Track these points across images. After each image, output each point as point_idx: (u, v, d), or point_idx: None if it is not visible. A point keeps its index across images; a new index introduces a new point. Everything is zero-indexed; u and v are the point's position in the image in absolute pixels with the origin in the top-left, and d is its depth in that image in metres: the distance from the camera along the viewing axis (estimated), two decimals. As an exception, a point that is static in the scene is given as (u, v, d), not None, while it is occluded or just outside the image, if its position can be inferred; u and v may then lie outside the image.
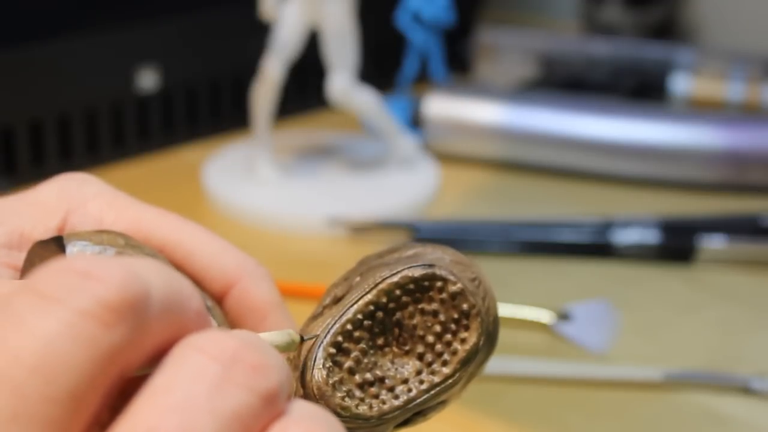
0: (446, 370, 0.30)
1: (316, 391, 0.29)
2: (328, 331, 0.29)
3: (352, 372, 0.29)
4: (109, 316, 0.22)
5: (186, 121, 0.83)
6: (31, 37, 0.76)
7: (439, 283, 0.30)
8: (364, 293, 0.30)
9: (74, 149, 0.78)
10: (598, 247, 0.69)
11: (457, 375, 0.30)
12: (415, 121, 0.83)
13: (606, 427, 0.53)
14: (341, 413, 0.29)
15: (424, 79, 0.87)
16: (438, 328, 0.30)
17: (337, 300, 0.31)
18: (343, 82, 0.73)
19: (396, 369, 0.30)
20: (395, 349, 0.30)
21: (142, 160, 0.81)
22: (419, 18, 0.83)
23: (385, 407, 0.30)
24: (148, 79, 0.80)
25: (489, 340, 0.31)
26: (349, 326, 0.29)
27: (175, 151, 0.83)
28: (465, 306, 0.30)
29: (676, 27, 1.01)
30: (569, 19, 1.06)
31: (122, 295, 0.23)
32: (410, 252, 0.31)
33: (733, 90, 0.86)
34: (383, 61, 0.90)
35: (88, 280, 0.23)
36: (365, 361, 0.30)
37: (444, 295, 0.30)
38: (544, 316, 0.61)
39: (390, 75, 0.88)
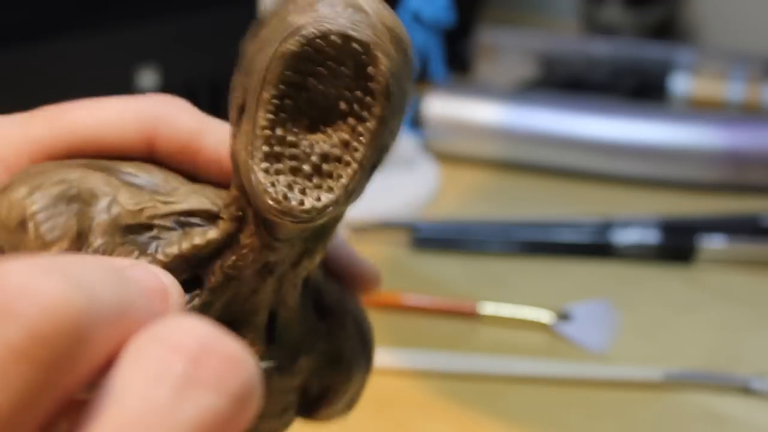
0: (375, 112, 0.27)
1: (278, 214, 0.27)
2: (252, 146, 0.27)
3: (294, 172, 0.28)
4: (40, 350, 0.19)
5: (186, 121, 0.83)
6: (31, 38, 0.76)
7: (318, 42, 0.27)
8: (257, 92, 0.27)
9: (74, 149, 0.78)
10: (598, 247, 0.69)
11: (385, 110, 0.27)
12: (415, 121, 0.83)
13: (606, 427, 0.53)
14: (307, 216, 0.27)
15: (424, 79, 0.87)
16: (344, 81, 0.27)
17: (242, 109, 0.29)
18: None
19: (330, 140, 0.28)
20: (321, 126, 0.28)
21: (142, 160, 0.81)
22: (419, 18, 0.83)
23: (343, 178, 0.28)
24: (148, 79, 0.80)
25: (402, 56, 0.28)
26: (267, 132, 0.27)
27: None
28: (355, 46, 0.27)
29: (676, 27, 1.01)
30: (569, 19, 1.06)
31: (56, 322, 0.19)
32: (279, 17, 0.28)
33: (733, 90, 0.86)
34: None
35: (15, 304, 0.19)
36: (301, 150, 0.28)
37: (331, 51, 0.27)
38: (544, 316, 0.61)
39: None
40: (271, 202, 0.27)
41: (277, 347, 0.31)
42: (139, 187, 0.30)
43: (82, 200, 0.29)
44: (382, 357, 0.57)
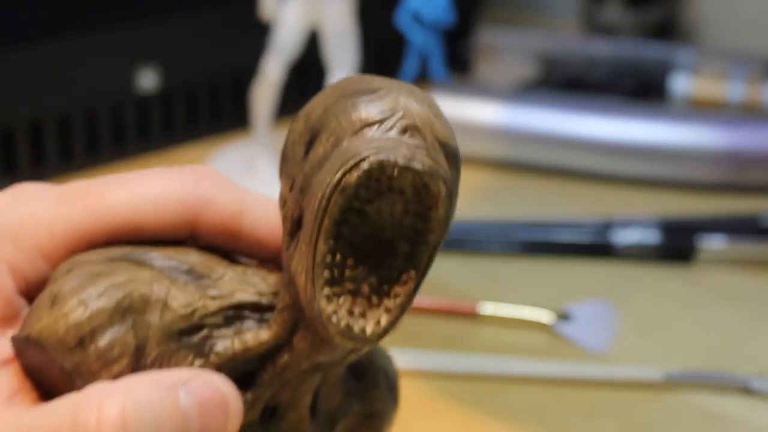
0: (432, 238, 0.28)
1: (340, 340, 0.28)
2: (313, 272, 0.28)
3: (354, 294, 0.28)
4: None
5: (186, 121, 0.83)
6: (31, 38, 0.76)
7: (379, 173, 0.27)
8: (318, 220, 0.28)
9: (74, 149, 0.78)
10: (598, 247, 0.69)
11: (441, 232, 0.29)
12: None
13: (606, 427, 0.53)
14: (368, 340, 0.28)
15: (424, 79, 0.87)
16: (402, 205, 0.28)
17: (298, 224, 0.29)
18: (343, 82, 0.73)
19: (388, 268, 0.29)
20: (379, 259, 0.29)
21: (142, 160, 0.81)
22: (419, 18, 0.83)
23: (400, 297, 0.29)
24: (148, 79, 0.80)
25: (455, 170, 0.29)
26: (328, 259, 0.28)
27: (175, 151, 0.83)
28: (415, 177, 0.28)
29: (676, 27, 1.01)
30: (569, 19, 1.06)
31: None
32: (329, 142, 0.28)
33: (733, 90, 0.86)
34: (383, 61, 0.90)
35: None
36: (359, 272, 0.28)
37: (391, 180, 0.28)
38: (544, 316, 0.61)
39: (390, 75, 0.88)
40: (334, 332, 0.28)
41: (317, 419, 0.32)
42: (185, 282, 0.30)
43: (135, 310, 0.29)
44: (382, 357, 0.57)
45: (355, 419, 0.33)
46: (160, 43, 0.81)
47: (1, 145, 0.75)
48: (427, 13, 0.83)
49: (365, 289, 0.29)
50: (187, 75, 0.83)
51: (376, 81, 0.29)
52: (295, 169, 0.29)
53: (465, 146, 0.81)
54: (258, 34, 0.75)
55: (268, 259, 0.32)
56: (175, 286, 0.29)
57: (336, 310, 0.28)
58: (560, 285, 0.66)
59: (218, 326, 0.30)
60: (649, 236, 0.68)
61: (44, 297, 0.29)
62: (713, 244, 0.68)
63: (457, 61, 0.94)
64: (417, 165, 0.27)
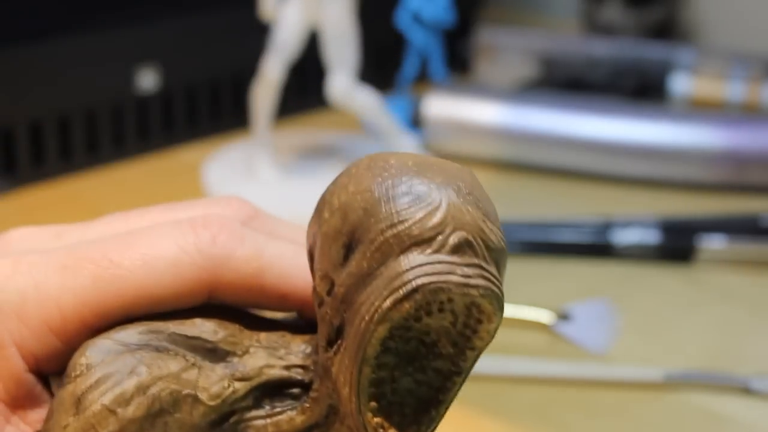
0: (479, 345, 0.28)
1: None
2: (358, 391, 0.27)
3: (399, 406, 0.28)
4: None
5: (186, 121, 0.83)
6: (31, 37, 0.76)
7: (437, 302, 0.27)
8: (364, 346, 0.27)
9: (74, 149, 0.78)
10: (598, 247, 0.69)
11: (492, 336, 0.29)
12: (415, 121, 0.83)
13: (606, 427, 0.53)
14: None
15: (424, 79, 0.87)
16: (452, 327, 0.28)
17: (338, 331, 0.28)
18: (343, 82, 0.73)
19: (432, 371, 0.28)
20: (424, 361, 0.28)
21: (142, 160, 0.81)
22: (419, 18, 0.83)
23: (434, 415, 0.28)
24: (148, 79, 0.80)
25: (503, 272, 0.28)
26: (373, 374, 0.27)
27: (175, 151, 0.83)
28: (468, 304, 0.27)
29: (676, 27, 1.01)
30: (569, 19, 1.06)
31: None
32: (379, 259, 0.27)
33: (733, 90, 0.86)
34: (383, 61, 0.90)
35: None
36: (402, 387, 0.28)
37: (447, 306, 0.27)
38: (544, 316, 0.61)
39: (390, 75, 0.88)
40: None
41: None
42: (212, 366, 0.29)
43: (166, 412, 0.28)
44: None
45: None
46: (160, 43, 0.81)
47: (1, 145, 0.75)
48: (427, 13, 0.83)
49: (410, 395, 0.28)
50: (187, 75, 0.83)
51: (419, 177, 0.28)
52: (331, 268, 0.28)
53: (465, 146, 0.82)
54: (258, 34, 0.75)
55: (292, 309, 0.31)
56: (202, 375, 0.29)
57: (381, 424, 0.28)
58: (560, 285, 0.66)
59: (249, 408, 0.29)
60: (649, 236, 0.68)
61: (66, 396, 0.28)
62: (713, 244, 0.68)
63: (457, 61, 0.94)
64: (472, 291, 0.27)
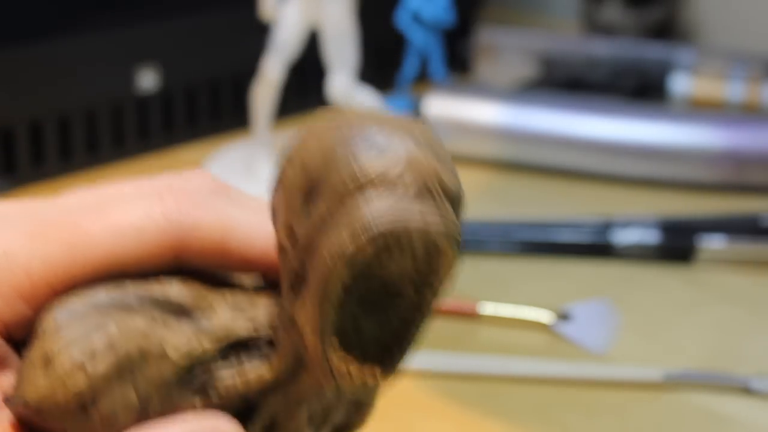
0: (438, 285, 0.28)
1: (348, 390, 0.29)
2: (321, 334, 0.28)
3: (363, 346, 0.28)
4: None
5: (186, 121, 0.83)
6: (31, 37, 0.76)
7: (388, 240, 0.27)
8: (327, 289, 0.27)
9: (74, 149, 0.78)
10: (598, 247, 0.69)
11: (444, 290, 0.29)
12: (415, 121, 0.83)
13: (606, 427, 0.53)
14: (373, 386, 0.29)
15: (424, 79, 0.87)
16: (412, 264, 0.28)
17: (300, 277, 0.28)
18: (343, 82, 0.73)
19: (395, 314, 0.29)
20: (386, 305, 0.29)
21: (142, 160, 0.81)
22: (419, 18, 0.83)
23: (402, 355, 0.29)
24: (148, 79, 0.80)
25: (460, 217, 0.29)
26: (336, 318, 0.28)
27: (175, 151, 0.83)
28: (426, 244, 0.27)
29: (676, 27, 1.01)
30: (569, 19, 1.06)
31: None
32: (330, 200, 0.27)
33: (733, 90, 0.86)
34: (383, 61, 0.90)
35: None
36: (368, 327, 0.29)
37: (407, 249, 0.27)
38: (544, 316, 0.61)
39: (390, 75, 0.88)
40: (343, 384, 0.28)
41: (311, 420, 0.32)
42: (178, 324, 0.29)
43: (135, 367, 0.28)
44: (382, 357, 0.57)
45: (345, 410, 0.33)
46: (160, 43, 0.81)
47: (1, 145, 0.75)
48: (427, 13, 0.83)
49: (373, 340, 0.29)
50: (187, 75, 0.83)
51: (375, 126, 0.28)
52: (293, 218, 0.28)
53: (465, 146, 0.82)
54: (258, 34, 0.75)
55: (257, 271, 0.31)
56: (170, 333, 0.29)
57: (346, 366, 0.28)
58: (560, 285, 0.66)
59: (217, 365, 0.29)
60: (649, 236, 0.68)
61: (35, 356, 0.28)
62: (713, 244, 0.68)
63: (457, 61, 0.94)
64: (431, 233, 0.27)
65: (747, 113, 0.86)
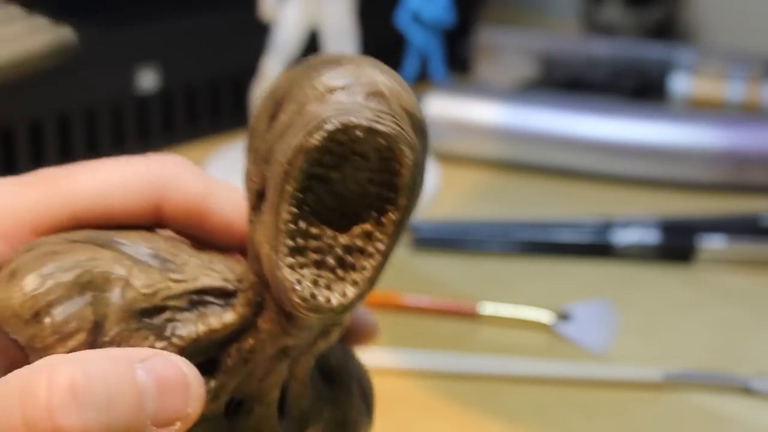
0: (398, 208, 0.28)
1: (304, 311, 0.27)
2: (276, 240, 0.27)
3: (319, 265, 0.28)
4: None
5: (186, 121, 0.83)
6: (31, 37, 0.76)
7: (342, 136, 0.27)
8: (281, 186, 0.27)
9: (74, 149, 0.78)
10: (598, 247, 0.69)
11: (408, 201, 0.28)
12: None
13: (606, 427, 0.53)
14: (334, 313, 0.28)
15: (424, 79, 0.87)
16: (367, 173, 0.28)
17: (260, 196, 0.28)
18: (343, 82, 0.73)
19: (355, 240, 0.28)
20: (343, 217, 0.28)
21: (142, 160, 0.81)
22: (419, 18, 0.83)
23: (367, 270, 0.28)
24: (148, 79, 0.80)
25: (422, 140, 0.28)
26: (291, 226, 0.27)
27: (175, 151, 0.83)
28: (380, 140, 0.27)
29: (676, 27, 1.01)
30: (569, 19, 1.06)
31: None
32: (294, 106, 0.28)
33: (733, 90, 0.86)
34: (383, 61, 0.90)
35: None
36: (324, 243, 0.28)
37: (355, 144, 0.27)
38: (544, 316, 0.61)
39: (390, 75, 0.88)
40: (298, 300, 0.27)
41: (286, 420, 0.31)
42: (149, 264, 0.29)
43: (95, 287, 0.28)
44: (383, 357, 0.57)
45: (326, 426, 0.32)
46: (160, 43, 0.81)
47: (1, 145, 0.75)
48: (427, 13, 0.83)
49: (331, 260, 0.28)
50: (187, 75, 0.83)
51: (344, 56, 0.29)
52: (258, 141, 0.28)
53: (465, 146, 0.82)
54: (258, 34, 0.75)
55: (234, 247, 0.31)
56: (137, 267, 0.29)
57: (300, 280, 0.27)
58: (560, 285, 0.66)
59: (181, 309, 0.29)
60: (649, 236, 0.68)
61: (3, 274, 0.29)
62: (713, 244, 0.68)
63: (457, 61, 0.94)
64: (381, 127, 0.27)
65: (747, 113, 0.86)
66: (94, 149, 0.79)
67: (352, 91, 0.27)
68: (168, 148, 0.82)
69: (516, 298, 0.62)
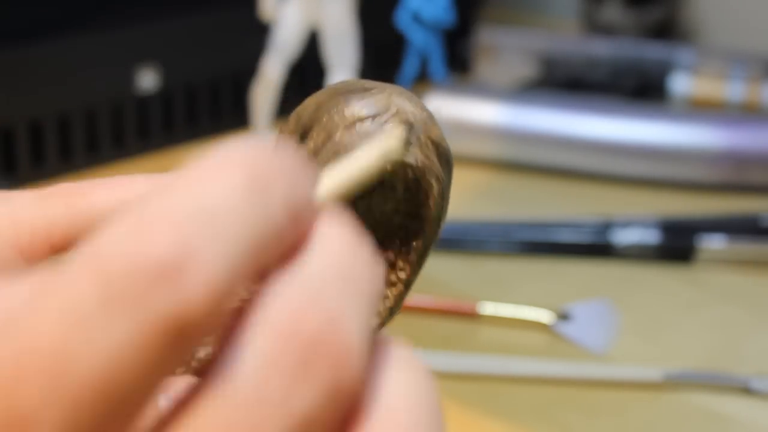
0: (423, 238, 0.28)
1: None
2: None
3: None
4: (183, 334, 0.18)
5: (186, 121, 0.83)
6: (31, 37, 0.76)
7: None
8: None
9: (74, 149, 0.78)
10: (598, 247, 0.69)
11: (433, 233, 0.28)
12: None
13: (606, 427, 0.53)
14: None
15: (424, 79, 0.87)
16: (393, 202, 0.28)
17: None
18: (343, 82, 0.73)
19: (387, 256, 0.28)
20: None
21: (142, 160, 0.81)
22: (419, 18, 0.83)
23: (389, 299, 0.28)
24: (148, 79, 0.80)
25: (447, 171, 0.28)
26: None
27: (175, 151, 0.83)
28: (408, 172, 0.27)
29: (676, 27, 1.01)
30: (569, 19, 1.06)
31: (208, 305, 0.18)
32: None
33: (733, 90, 0.86)
34: (383, 61, 0.90)
35: (170, 278, 0.18)
36: None
37: (386, 177, 0.27)
38: (544, 316, 0.61)
39: (390, 75, 0.88)
40: None
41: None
42: None
43: None
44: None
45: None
46: (160, 43, 0.81)
47: (1, 145, 0.75)
48: (427, 13, 0.83)
49: None
50: (187, 75, 0.83)
51: (370, 82, 0.29)
52: None
53: (465, 146, 0.82)
54: (258, 34, 0.75)
55: None
56: None
57: None
58: (560, 285, 0.66)
59: None
60: (649, 236, 0.68)
61: None
62: (713, 244, 0.68)
63: (457, 61, 0.94)
64: (410, 159, 0.27)
65: (747, 113, 0.86)
66: (94, 149, 0.79)
67: (380, 121, 0.27)
68: (168, 148, 0.82)
69: (516, 298, 0.62)
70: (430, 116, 0.29)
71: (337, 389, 0.19)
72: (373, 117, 0.28)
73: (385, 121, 0.28)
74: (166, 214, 0.19)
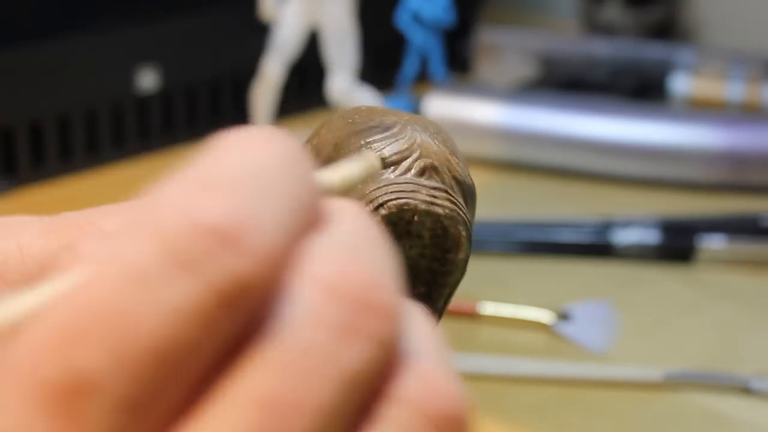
0: (449, 280, 0.28)
1: None
2: None
3: None
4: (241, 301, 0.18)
5: (186, 121, 0.83)
6: (32, 37, 0.76)
7: (398, 219, 0.27)
8: None
9: (74, 149, 0.78)
10: (598, 247, 0.69)
11: (460, 275, 0.28)
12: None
13: (606, 427, 0.53)
14: None
15: (424, 79, 0.87)
16: (420, 251, 0.28)
17: None
18: (343, 82, 0.73)
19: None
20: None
21: (142, 160, 0.81)
22: (419, 18, 0.83)
23: None
24: (148, 79, 0.80)
25: (472, 207, 0.28)
26: None
27: (175, 151, 0.83)
28: (435, 222, 0.27)
29: (676, 27, 1.01)
30: (569, 18, 1.06)
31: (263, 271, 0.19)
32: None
33: (733, 90, 0.86)
34: (383, 61, 0.90)
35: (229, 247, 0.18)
36: None
37: (413, 227, 0.27)
38: (544, 316, 0.61)
39: (390, 75, 0.88)
40: None
41: None
42: None
43: None
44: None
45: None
46: (160, 43, 0.81)
47: (1, 145, 0.75)
48: (427, 13, 0.83)
49: None
50: (187, 75, 0.83)
51: (388, 115, 0.28)
52: None
53: (465, 146, 0.81)
54: (258, 34, 0.75)
55: None
56: None
57: None
58: (560, 285, 0.66)
59: None
60: (649, 236, 0.68)
61: None
62: (713, 244, 0.68)
63: (457, 61, 0.94)
64: (438, 210, 0.27)
65: (747, 113, 0.85)
66: (94, 149, 0.79)
67: (405, 167, 0.27)
68: (168, 148, 0.82)
69: (516, 298, 0.62)
70: (452, 149, 0.28)
71: (383, 343, 0.20)
72: (397, 163, 0.27)
73: (408, 168, 0.27)
74: (220, 180, 0.20)
